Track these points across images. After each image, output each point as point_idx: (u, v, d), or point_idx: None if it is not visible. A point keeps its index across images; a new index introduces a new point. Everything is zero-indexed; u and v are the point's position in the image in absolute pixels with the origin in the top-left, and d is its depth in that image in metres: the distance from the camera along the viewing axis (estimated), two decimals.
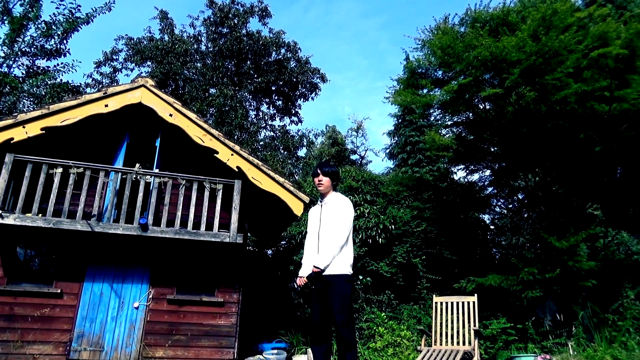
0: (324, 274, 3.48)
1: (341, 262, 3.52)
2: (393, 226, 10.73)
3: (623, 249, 11.18)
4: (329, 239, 3.56)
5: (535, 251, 10.32)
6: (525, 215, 11.36)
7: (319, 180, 3.80)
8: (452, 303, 7.09)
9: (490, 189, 11.69)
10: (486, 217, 12.97)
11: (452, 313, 7.00)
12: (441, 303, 7.15)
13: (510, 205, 12.06)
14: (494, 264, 10.47)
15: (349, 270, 3.55)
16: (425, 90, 9.99)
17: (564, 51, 7.82)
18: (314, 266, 3.50)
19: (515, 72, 7.99)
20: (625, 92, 7.77)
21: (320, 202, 3.85)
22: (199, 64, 17.66)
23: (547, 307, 9.23)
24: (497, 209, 12.51)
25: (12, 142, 6.55)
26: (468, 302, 6.96)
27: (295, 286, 3.58)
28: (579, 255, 8.24)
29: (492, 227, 12.94)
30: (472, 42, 8.42)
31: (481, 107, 9.74)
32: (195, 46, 18.04)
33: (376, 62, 52.37)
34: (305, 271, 3.68)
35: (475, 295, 7.04)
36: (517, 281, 8.27)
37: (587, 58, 7.81)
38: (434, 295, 7.48)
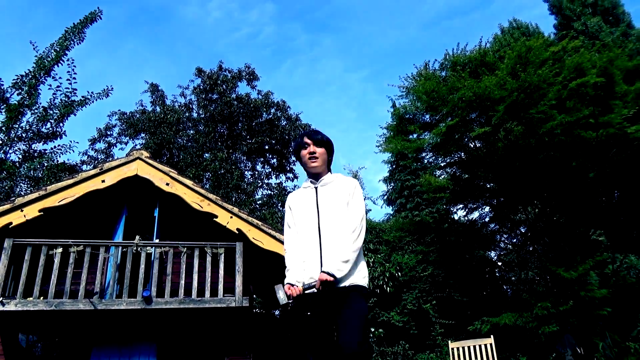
0: (339, 285, 2.34)
1: (358, 271, 2.42)
2: (399, 273, 10.60)
3: (634, 273, 11.01)
4: (344, 236, 2.40)
5: (546, 284, 10.15)
6: (531, 249, 11.25)
7: (310, 153, 2.62)
8: (469, 347, 6.87)
9: (492, 225, 11.65)
10: (492, 254, 12.85)
11: (470, 358, 6.77)
12: (458, 349, 6.93)
13: (514, 240, 11.97)
14: (507, 302, 10.26)
15: (366, 284, 2.46)
16: (414, 135, 10.18)
17: (544, 84, 8.06)
18: (326, 273, 2.27)
19: (500, 109, 8.19)
20: (609, 117, 7.94)
21: (313, 184, 2.66)
22: (191, 131, 18.02)
23: (567, 341, 8.95)
24: (502, 245, 12.41)
25: (10, 226, 6.55)
26: (485, 345, 6.75)
27: (281, 297, 2.29)
28: (590, 284, 8.12)
29: (499, 263, 12.78)
30: (455, 84, 8.69)
31: (472, 145, 9.89)
32: (187, 114, 18.47)
33: (364, 113, 53.62)
34: (300, 277, 2.43)
35: (492, 336, 6.84)
36: (531, 317, 8.08)
37: (567, 89, 8.04)
38: (449, 342, 7.26)
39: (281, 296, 2.28)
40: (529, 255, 11.62)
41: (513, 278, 12.61)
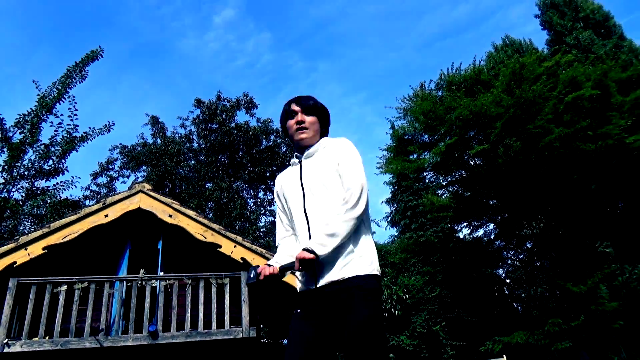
0: (331, 278, 1.75)
1: (359, 256, 1.79)
2: (407, 295, 10.50)
3: None
4: (334, 205, 1.85)
5: (556, 300, 10.03)
6: (538, 264, 11.15)
7: (297, 123, 2.06)
8: None
9: (497, 242, 11.56)
10: (500, 272, 12.70)
11: None
12: None
13: (521, 256, 11.87)
14: (517, 320, 10.10)
15: (374, 271, 1.79)
16: (414, 155, 10.22)
17: (540, 99, 8.14)
18: (307, 250, 1.73)
19: (498, 125, 8.24)
20: (607, 128, 7.98)
21: (298, 158, 2.10)
22: (192, 162, 18.13)
23: (582, 358, 8.80)
24: (509, 262, 12.29)
25: (14, 266, 6.53)
26: None
27: (251, 276, 1.86)
28: (600, 298, 8.01)
29: (507, 280, 12.64)
30: (451, 104, 8.78)
31: (472, 163, 9.92)
32: (188, 145, 18.62)
33: (365, 135, 54.04)
34: (282, 260, 1.94)
35: (504, 356, 6.74)
36: (543, 334, 7.95)
37: (563, 103, 8.11)
38: None
39: (251, 275, 1.88)
40: (537, 271, 11.51)
41: (523, 295, 12.45)
